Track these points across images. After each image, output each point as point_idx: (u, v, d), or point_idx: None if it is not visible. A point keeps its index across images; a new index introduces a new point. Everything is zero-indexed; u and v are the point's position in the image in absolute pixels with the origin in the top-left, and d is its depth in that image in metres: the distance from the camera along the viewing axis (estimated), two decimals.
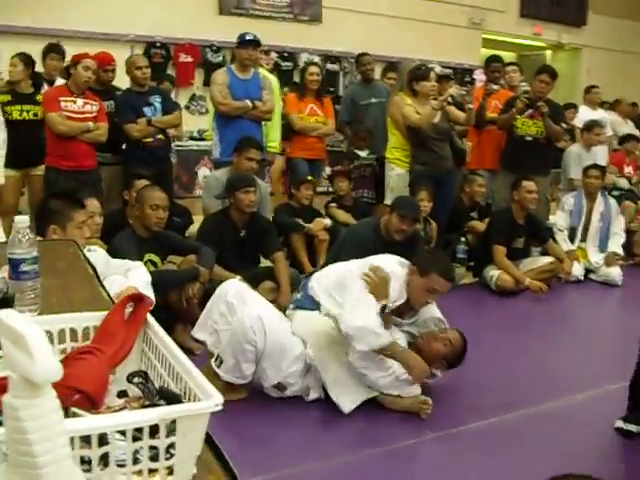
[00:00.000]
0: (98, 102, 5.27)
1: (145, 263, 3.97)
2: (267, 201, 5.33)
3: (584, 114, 8.13)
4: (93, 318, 1.40)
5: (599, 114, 8.40)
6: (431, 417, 3.24)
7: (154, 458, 1.04)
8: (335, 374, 3.30)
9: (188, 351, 3.93)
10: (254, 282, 4.60)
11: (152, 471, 1.05)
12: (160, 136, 5.55)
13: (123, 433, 1.02)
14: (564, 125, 6.46)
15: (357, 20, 10.15)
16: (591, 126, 7.13)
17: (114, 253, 3.74)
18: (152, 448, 1.03)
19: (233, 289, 3.51)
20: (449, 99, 5.45)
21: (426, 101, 5.59)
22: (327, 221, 5.57)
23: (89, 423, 0.98)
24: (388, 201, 5.55)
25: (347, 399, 3.26)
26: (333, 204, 6.03)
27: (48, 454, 0.75)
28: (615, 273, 6.11)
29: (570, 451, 2.98)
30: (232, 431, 2.96)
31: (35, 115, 5.41)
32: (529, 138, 6.22)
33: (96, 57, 5.41)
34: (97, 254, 3.38)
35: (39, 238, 3.21)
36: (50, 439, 0.75)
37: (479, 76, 9.20)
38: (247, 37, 5.53)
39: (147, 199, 4.03)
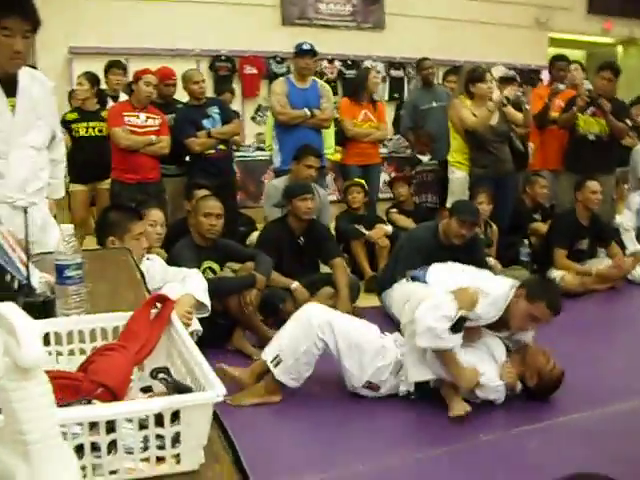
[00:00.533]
0: (160, 116, 5.43)
1: (204, 270, 4.09)
2: (327, 208, 5.39)
3: None
4: (122, 318, 1.47)
5: None
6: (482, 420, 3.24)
7: (162, 447, 1.11)
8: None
9: (247, 357, 4.04)
10: (313, 288, 4.69)
11: (160, 459, 1.12)
12: (222, 147, 5.67)
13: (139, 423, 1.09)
14: (628, 122, 6.29)
15: (420, 25, 10.14)
16: None
17: (173, 261, 3.88)
18: (159, 437, 1.10)
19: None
20: (504, 100, 5.41)
21: (483, 103, 5.57)
22: (388, 228, 5.60)
23: (83, 411, 1.06)
24: (449, 204, 5.53)
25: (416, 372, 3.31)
26: (394, 210, 6.06)
27: (36, 433, 0.81)
28: None
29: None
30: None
31: (100, 131, 5.64)
32: (592, 137, 6.10)
33: (157, 72, 5.59)
34: (154, 262, 3.51)
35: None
36: (39, 420, 0.82)
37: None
38: (304, 47, 5.62)
39: (201, 208, 4.16)
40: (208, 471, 1.14)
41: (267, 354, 3.41)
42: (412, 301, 3.38)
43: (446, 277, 3.65)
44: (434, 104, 6.76)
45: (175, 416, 1.09)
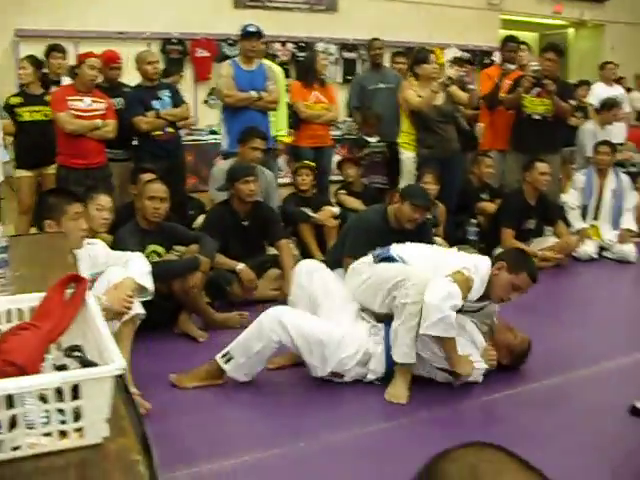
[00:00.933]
0: (106, 100, 5.38)
1: (149, 254, 4.08)
2: (274, 190, 5.40)
3: (599, 91, 8.01)
4: (37, 298, 1.48)
5: (616, 90, 8.28)
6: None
7: (64, 422, 1.13)
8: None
9: (193, 339, 4.06)
10: (259, 270, 4.71)
11: (63, 434, 1.14)
12: (170, 129, 5.65)
13: (42, 398, 1.11)
14: (572, 102, 6.39)
15: (373, 7, 10.12)
16: (610, 106, 7.04)
17: (117, 245, 3.87)
18: (61, 412, 1.12)
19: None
20: (447, 81, 5.46)
21: (428, 84, 5.60)
22: (335, 209, 5.63)
23: None
24: (402, 186, 5.56)
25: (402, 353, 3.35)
26: (342, 191, 6.09)
27: None
28: (629, 250, 6.06)
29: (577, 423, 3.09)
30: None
31: (45, 115, 5.55)
32: (537, 117, 6.19)
33: (102, 56, 5.54)
34: (96, 247, 3.49)
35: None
36: None
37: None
38: (249, 29, 5.61)
39: (145, 191, 4.14)
40: (112, 444, 1.17)
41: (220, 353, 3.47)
42: (409, 282, 3.36)
43: (425, 256, 3.66)
44: (381, 85, 6.79)
45: (77, 391, 1.11)
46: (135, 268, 3.30)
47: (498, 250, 5.60)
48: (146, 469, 1.10)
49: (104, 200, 4.11)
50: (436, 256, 3.62)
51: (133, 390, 3.09)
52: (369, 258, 3.69)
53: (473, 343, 3.49)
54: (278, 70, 6.37)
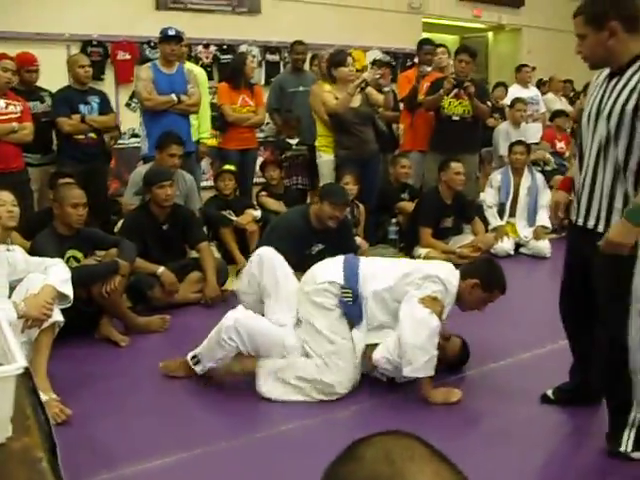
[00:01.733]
0: (22, 102, 5.29)
1: (68, 260, 4.04)
2: (194, 193, 5.36)
3: (514, 93, 8.28)
4: None
5: (531, 92, 8.57)
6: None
7: None
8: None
9: (114, 343, 4.04)
10: (181, 274, 4.71)
11: None
12: (92, 135, 5.63)
13: None
14: (489, 103, 6.59)
15: (296, 10, 10.18)
16: (513, 103, 7.33)
17: (35, 251, 3.81)
18: None
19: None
20: (363, 84, 5.54)
21: (345, 86, 5.65)
22: (256, 213, 5.64)
23: None
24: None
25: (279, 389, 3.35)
26: (263, 193, 6.11)
27: None
28: (543, 246, 6.29)
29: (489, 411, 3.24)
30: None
31: None
32: (456, 118, 6.35)
33: (16, 58, 5.45)
34: (15, 253, 3.45)
35: None
36: None
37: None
38: (169, 32, 5.59)
39: (66, 198, 4.06)
40: (16, 443, 1.19)
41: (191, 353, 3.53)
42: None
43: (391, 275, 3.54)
44: (301, 88, 6.85)
45: None
46: (55, 275, 3.28)
47: (417, 249, 5.76)
48: (49, 466, 1.13)
49: (4, 195, 4.00)
50: (403, 271, 3.50)
51: (52, 396, 3.07)
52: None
53: None
54: (200, 72, 6.37)
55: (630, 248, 2.49)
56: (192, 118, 6.03)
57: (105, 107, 5.76)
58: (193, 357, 3.48)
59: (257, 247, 4.83)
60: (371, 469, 0.80)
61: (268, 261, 3.61)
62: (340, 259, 3.59)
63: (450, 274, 3.48)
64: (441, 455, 0.85)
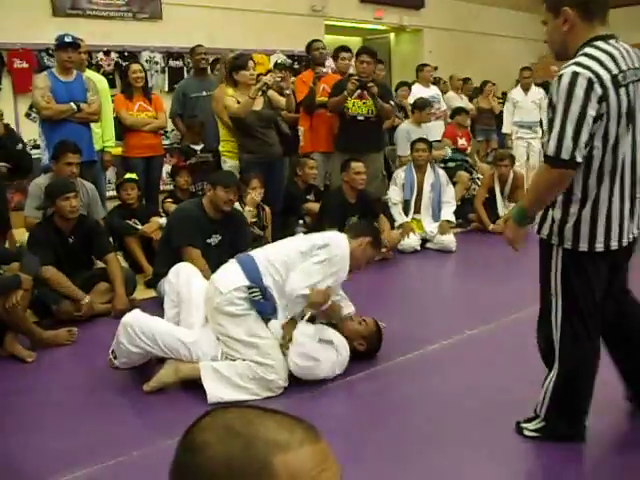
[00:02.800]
0: None
1: None
2: (96, 203, 5.28)
3: (417, 92, 8.48)
4: None
5: (432, 91, 8.80)
6: None
7: None
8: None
9: (21, 360, 3.94)
10: (88, 285, 4.63)
11: None
12: None
13: None
14: (392, 103, 6.71)
15: (198, 15, 10.14)
16: (422, 105, 7.47)
17: None
18: None
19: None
20: (264, 87, 5.57)
21: (247, 90, 5.65)
22: (162, 220, 5.56)
23: None
24: None
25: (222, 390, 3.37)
26: (169, 200, 6.06)
27: None
28: (449, 240, 6.48)
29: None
30: None
31: None
32: (361, 117, 6.42)
33: None
34: None
35: None
36: None
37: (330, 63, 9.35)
38: (66, 39, 5.46)
39: None
40: None
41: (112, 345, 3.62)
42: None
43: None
44: (204, 93, 6.84)
45: None
46: None
47: None
48: None
49: None
50: (290, 255, 3.60)
51: None
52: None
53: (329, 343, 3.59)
54: (100, 80, 6.27)
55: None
56: (95, 127, 5.94)
57: None
58: (112, 351, 3.60)
59: (160, 245, 4.96)
60: (224, 449, 0.81)
61: (184, 270, 3.78)
62: (234, 261, 3.62)
63: (339, 237, 3.66)
64: (272, 410, 0.88)
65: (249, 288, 3.43)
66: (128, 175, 5.81)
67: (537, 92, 9.13)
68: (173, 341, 3.45)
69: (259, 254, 3.63)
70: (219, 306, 3.43)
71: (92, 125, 5.81)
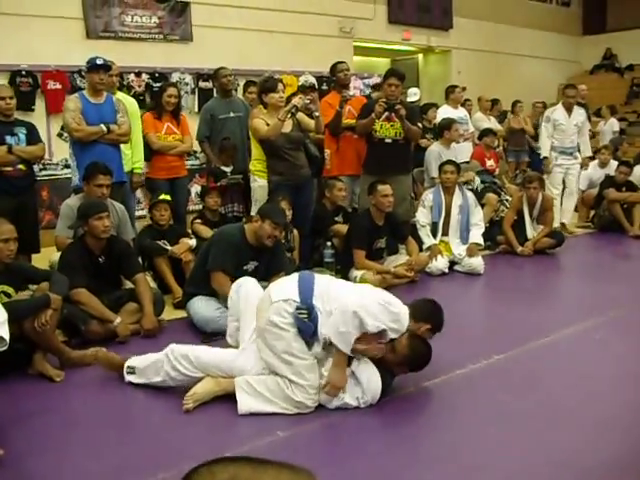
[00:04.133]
0: None
1: None
2: (126, 223, 5.32)
3: (445, 113, 8.47)
4: None
5: (460, 112, 8.79)
6: None
7: None
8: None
9: (49, 379, 3.97)
10: (117, 305, 4.67)
11: None
12: (21, 166, 5.52)
13: None
14: (420, 125, 6.70)
15: (228, 36, 10.26)
16: (447, 125, 7.45)
17: None
18: None
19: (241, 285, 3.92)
20: (293, 110, 5.60)
21: (276, 112, 5.69)
22: (192, 242, 5.60)
23: None
24: (254, 212, 5.61)
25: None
26: (198, 221, 6.08)
27: None
28: (477, 263, 6.43)
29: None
30: None
31: None
32: (388, 140, 6.41)
33: None
34: None
35: None
36: None
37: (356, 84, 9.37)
38: (97, 61, 5.54)
39: None
40: None
41: (130, 360, 3.77)
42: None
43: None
44: (231, 114, 6.88)
45: None
46: None
47: (352, 271, 5.79)
48: None
49: None
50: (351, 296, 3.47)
51: None
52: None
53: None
54: (130, 102, 6.35)
55: None
56: (125, 148, 6.00)
57: (33, 137, 5.66)
58: (129, 367, 3.72)
59: (196, 265, 4.97)
60: None
61: (245, 285, 3.84)
62: (295, 277, 3.61)
63: (405, 314, 3.51)
64: (265, 461, 0.87)
65: (298, 306, 3.41)
66: (163, 196, 5.83)
67: (579, 114, 8.41)
68: (214, 361, 3.54)
69: (322, 279, 3.62)
70: (266, 313, 3.44)
71: (122, 146, 5.87)
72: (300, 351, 3.42)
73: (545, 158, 8.43)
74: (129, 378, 3.74)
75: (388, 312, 3.37)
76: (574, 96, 8.42)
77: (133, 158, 6.29)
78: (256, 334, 3.55)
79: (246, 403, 3.37)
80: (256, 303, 3.65)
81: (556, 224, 7.93)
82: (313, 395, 3.39)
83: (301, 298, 3.43)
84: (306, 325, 3.41)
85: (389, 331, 3.39)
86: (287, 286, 3.53)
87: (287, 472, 0.85)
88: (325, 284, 3.55)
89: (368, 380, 3.47)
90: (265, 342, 3.46)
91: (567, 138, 8.35)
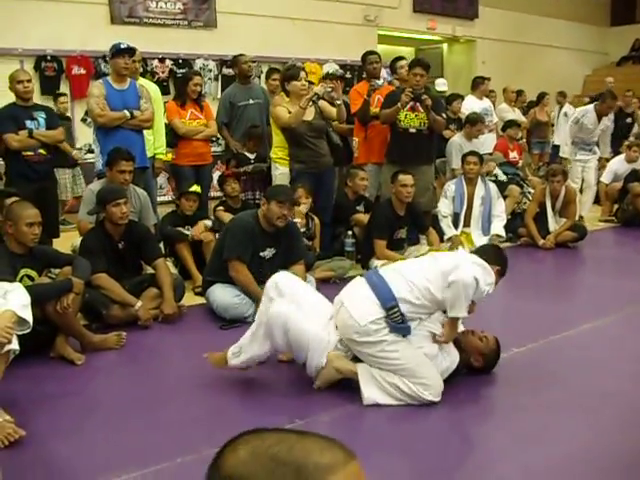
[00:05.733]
0: None
1: (22, 278, 4.00)
2: (148, 209, 5.35)
3: (470, 104, 8.42)
4: None
5: (485, 103, 8.72)
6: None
7: None
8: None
9: (70, 362, 4.01)
10: (138, 290, 4.69)
11: None
12: (42, 151, 5.55)
13: None
14: (444, 115, 6.66)
15: (252, 23, 10.27)
16: (474, 121, 7.40)
17: None
18: None
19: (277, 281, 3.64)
20: (314, 98, 5.59)
21: (298, 100, 5.68)
22: (208, 222, 5.61)
23: None
24: None
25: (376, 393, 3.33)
26: (220, 208, 6.07)
27: None
28: None
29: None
30: None
31: None
32: (412, 130, 6.36)
33: None
34: None
35: None
36: None
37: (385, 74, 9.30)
38: (122, 46, 5.53)
39: (21, 217, 3.98)
40: None
41: (231, 348, 3.53)
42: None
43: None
44: (251, 101, 6.87)
45: None
46: (15, 300, 3.24)
47: (373, 261, 5.78)
48: None
49: None
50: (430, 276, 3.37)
51: (6, 417, 3.05)
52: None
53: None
54: (153, 88, 6.37)
55: None
56: (147, 133, 6.02)
57: (52, 122, 5.67)
58: (235, 352, 3.50)
59: (213, 252, 4.94)
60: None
61: (283, 282, 3.62)
62: (364, 283, 3.44)
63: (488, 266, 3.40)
64: (302, 432, 0.89)
65: (387, 314, 3.28)
66: (194, 187, 5.82)
67: (609, 119, 8.18)
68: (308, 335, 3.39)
69: (390, 274, 3.44)
70: (357, 338, 3.32)
71: (144, 132, 5.89)
72: (404, 352, 3.31)
73: (565, 159, 8.29)
74: (233, 362, 3.50)
75: (483, 269, 3.28)
76: (612, 107, 8.07)
77: (155, 144, 6.31)
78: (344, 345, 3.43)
79: (371, 395, 3.29)
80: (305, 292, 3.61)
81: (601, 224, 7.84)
82: (438, 388, 3.30)
83: (383, 306, 3.29)
84: (401, 328, 3.31)
85: (487, 287, 3.28)
86: (366, 303, 3.34)
87: (326, 441, 0.88)
88: (397, 273, 3.41)
89: (452, 361, 3.46)
90: (369, 355, 3.34)
91: (590, 138, 8.26)
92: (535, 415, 3.24)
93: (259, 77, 9.59)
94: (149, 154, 6.10)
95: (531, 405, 3.36)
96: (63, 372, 3.92)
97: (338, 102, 5.87)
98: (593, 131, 8.19)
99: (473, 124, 7.37)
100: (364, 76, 7.40)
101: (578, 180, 8.39)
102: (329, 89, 5.77)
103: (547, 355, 4.08)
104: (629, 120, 10.88)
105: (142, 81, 6.30)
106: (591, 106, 8.29)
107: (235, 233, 4.63)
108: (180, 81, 7.15)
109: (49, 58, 8.82)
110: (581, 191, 8.38)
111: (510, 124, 8.46)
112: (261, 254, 4.66)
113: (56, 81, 8.87)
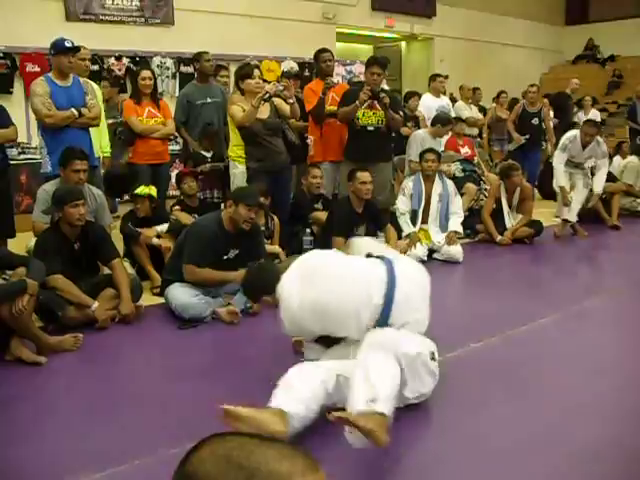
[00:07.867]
0: None
1: None
2: (104, 208, 5.28)
3: (427, 102, 8.49)
4: None
5: (442, 101, 8.80)
6: None
7: None
8: None
9: (29, 364, 3.94)
10: (95, 291, 4.64)
11: None
12: None
13: None
14: (401, 113, 6.70)
15: (210, 21, 10.23)
16: (445, 122, 7.50)
17: None
18: None
19: None
20: (266, 96, 5.58)
21: (253, 99, 5.66)
22: (159, 228, 5.56)
23: None
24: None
25: None
26: (177, 207, 6.03)
27: None
28: (456, 251, 6.46)
29: None
30: None
31: None
32: (371, 128, 6.39)
33: None
34: None
35: None
36: None
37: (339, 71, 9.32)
38: (67, 44, 5.32)
39: None
40: None
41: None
42: None
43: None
44: (208, 100, 6.83)
45: None
46: None
47: None
48: None
49: None
50: None
51: None
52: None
53: None
54: (95, 87, 6.25)
55: None
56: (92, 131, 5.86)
57: (3, 120, 5.50)
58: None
59: (172, 255, 4.94)
60: None
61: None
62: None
63: None
64: (269, 438, 0.90)
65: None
66: (141, 189, 5.70)
67: (594, 152, 7.67)
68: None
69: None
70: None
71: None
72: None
73: (561, 188, 7.71)
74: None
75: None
76: (593, 135, 7.55)
77: (101, 142, 6.25)
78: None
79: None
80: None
81: (558, 220, 7.87)
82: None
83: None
84: None
85: None
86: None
87: (288, 450, 0.88)
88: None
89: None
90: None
91: (578, 161, 7.77)
92: (490, 409, 3.28)
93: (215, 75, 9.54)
94: (96, 155, 5.98)
95: (488, 399, 3.40)
96: (19, 375, 3.86)
97: (290, 100, 5.87)
98: (578, 159, 7.74)
99: (444, 124, 7.46)
100: (316, 74, 7.38)
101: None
102: (280, 87, 5.75)
103: (503, 349, 4.14)
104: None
105: (83, 79, 6.15)
106: (577, 133, 7.74)
107: (195, 241, 4.62)
108: (134, 78, 7.07)
109: (1, 55, 8.67)
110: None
111: (455, 120, 8.42)
112: (224, 257, 4.67)
113: (9, 79, 8.72)
